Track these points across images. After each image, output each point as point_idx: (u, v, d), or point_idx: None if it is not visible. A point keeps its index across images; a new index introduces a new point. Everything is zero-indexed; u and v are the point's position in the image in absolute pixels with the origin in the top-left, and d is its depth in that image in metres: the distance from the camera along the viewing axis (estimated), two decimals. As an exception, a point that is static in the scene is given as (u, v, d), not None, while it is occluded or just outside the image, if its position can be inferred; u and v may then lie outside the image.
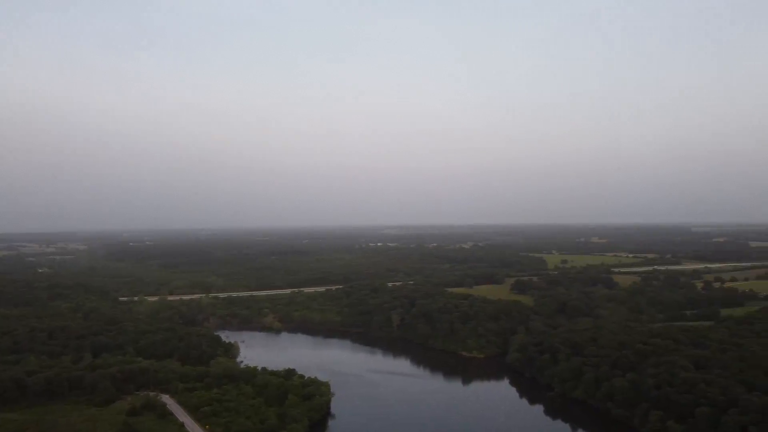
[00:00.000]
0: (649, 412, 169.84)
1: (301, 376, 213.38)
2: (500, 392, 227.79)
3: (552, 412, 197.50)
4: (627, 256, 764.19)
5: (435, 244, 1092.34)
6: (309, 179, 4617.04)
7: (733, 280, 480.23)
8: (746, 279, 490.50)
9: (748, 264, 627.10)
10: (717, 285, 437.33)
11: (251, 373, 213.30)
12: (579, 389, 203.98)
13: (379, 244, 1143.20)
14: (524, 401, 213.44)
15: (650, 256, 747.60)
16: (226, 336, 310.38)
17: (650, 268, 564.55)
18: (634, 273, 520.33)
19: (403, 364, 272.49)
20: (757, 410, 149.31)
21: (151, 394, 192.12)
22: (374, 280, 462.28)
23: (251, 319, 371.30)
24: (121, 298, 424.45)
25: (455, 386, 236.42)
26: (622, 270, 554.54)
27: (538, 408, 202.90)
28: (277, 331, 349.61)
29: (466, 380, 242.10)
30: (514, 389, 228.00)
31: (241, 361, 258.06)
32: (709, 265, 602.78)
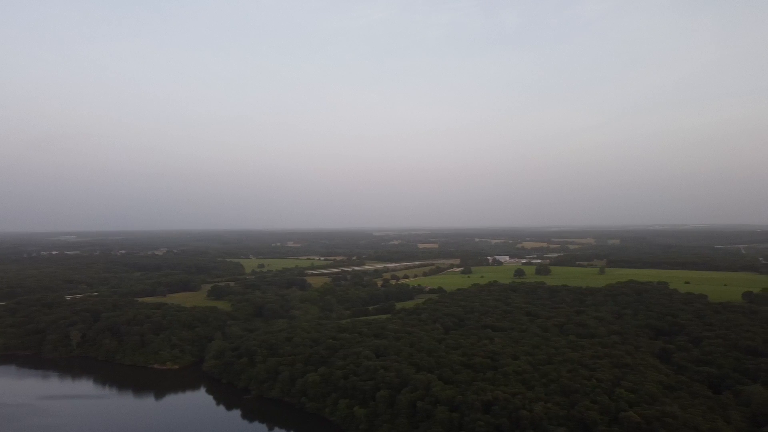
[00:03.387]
0: (338, 401, 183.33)
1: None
2: (197, 402, 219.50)
3: (249, 414, 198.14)
4: (319, 259, 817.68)
5: (123, 251, 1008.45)
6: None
7: (405, 277, 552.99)
8: (415, 276, 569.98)
9: (417, 263, 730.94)
10: (393, 282, 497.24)
11: None
12: (276, 389, 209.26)
13: (54, 252, 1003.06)
14: (221, 408, 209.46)
15: (339, 258, 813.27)
16: None
17: (339, 270, 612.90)
18: (325, 274, 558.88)
19: (85, 386, 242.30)
20: (423, 387, 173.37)
21: None
22: (47, 294, 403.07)
23: None
24: None
25: (147, 402, 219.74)
26: (315, 272, 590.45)
27: (236, 413, 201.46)
28: None
29: (159, 394, 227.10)
30: (211, 397, 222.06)
31: None
32: (387, 265, 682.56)
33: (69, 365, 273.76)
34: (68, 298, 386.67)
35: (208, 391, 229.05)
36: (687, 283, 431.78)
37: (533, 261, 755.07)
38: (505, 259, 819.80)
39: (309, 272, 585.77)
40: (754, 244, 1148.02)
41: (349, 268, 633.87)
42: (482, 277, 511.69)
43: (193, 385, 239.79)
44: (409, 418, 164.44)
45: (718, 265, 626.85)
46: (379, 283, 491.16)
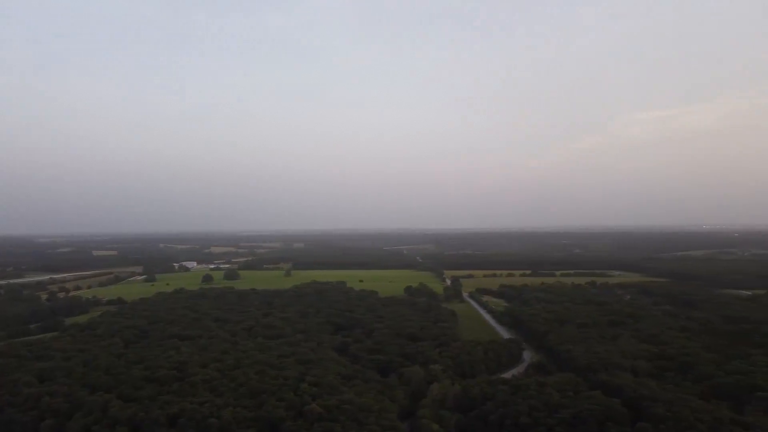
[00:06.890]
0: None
1: None
2: None
3: None
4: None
5: None
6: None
7: (78, 288, 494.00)
8: (90, 287, 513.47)
9: (92, 272, 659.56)
10: (62, 295, 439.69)
11: None
12: None
13: None
14: None
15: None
16: None
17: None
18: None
19: None
20: (99, 409, 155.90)
21: None
22: None
23: None
24: None
25: None
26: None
27: None
28: None
29: None
30: None
31: None
32: (54, 276, 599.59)
33: None
34: None
35: None
36: (361, 281, 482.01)
37: (222, 266, 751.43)
38: (192, 264, 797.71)
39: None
40: (414, 245, 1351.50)
41: (2, 281, 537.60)
42: (168, 284, 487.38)
43: None
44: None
45: (386, 264, 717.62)
46: (44, 296, 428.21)
